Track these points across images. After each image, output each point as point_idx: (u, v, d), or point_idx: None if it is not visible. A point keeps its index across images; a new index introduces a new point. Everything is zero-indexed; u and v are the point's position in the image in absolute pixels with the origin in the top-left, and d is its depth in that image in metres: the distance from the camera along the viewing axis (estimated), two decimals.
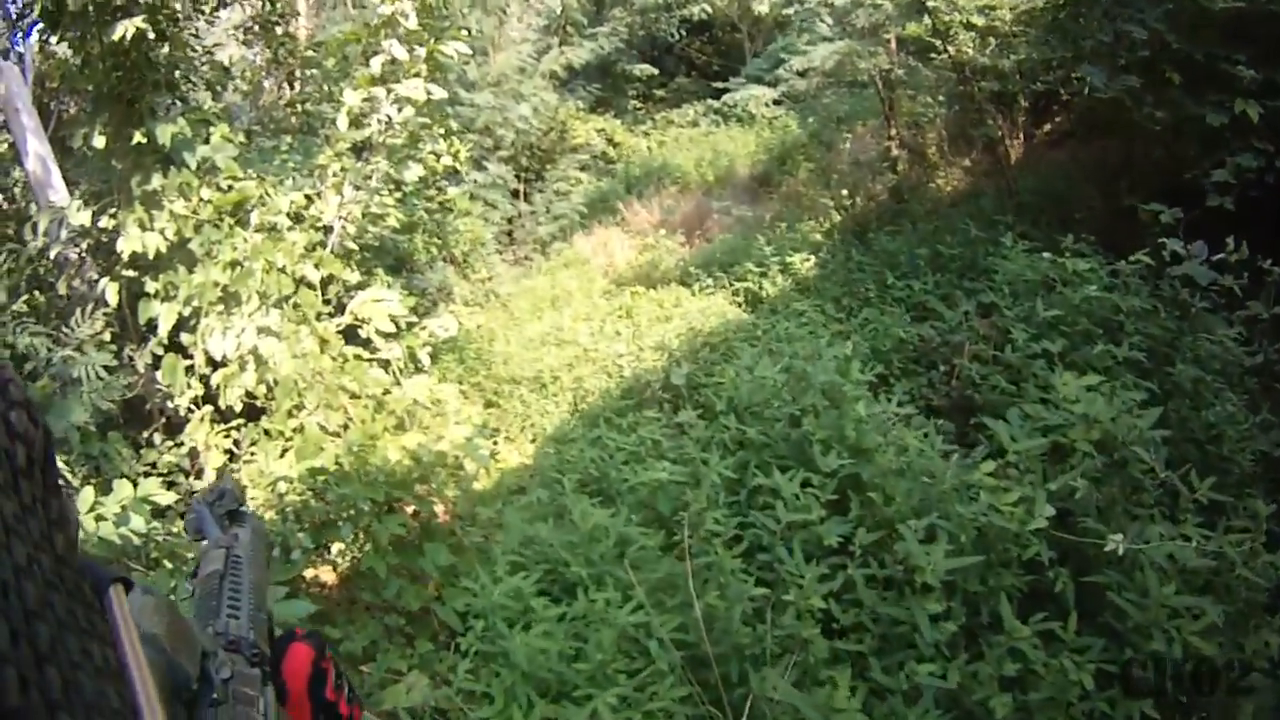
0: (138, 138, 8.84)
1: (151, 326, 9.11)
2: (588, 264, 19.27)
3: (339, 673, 1.54)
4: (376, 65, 9.28)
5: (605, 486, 7.20)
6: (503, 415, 13.15)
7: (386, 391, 8.45)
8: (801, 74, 18.44)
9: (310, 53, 14.98)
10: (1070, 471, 5.23)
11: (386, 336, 8.84)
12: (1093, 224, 10.38)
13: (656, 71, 28.61)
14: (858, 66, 15.90)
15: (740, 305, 13.99)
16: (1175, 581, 4.59)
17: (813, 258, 14.34)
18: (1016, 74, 13.56)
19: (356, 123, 9.81)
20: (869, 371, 7.75)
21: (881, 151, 17.76)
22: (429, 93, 9.26)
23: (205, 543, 1.74)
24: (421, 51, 9.46)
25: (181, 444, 9.41)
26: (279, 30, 13.17)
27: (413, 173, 10.19)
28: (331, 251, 9.42)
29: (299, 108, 13.63)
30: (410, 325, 9.96)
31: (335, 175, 9.71)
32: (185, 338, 8.88)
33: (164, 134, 8.65)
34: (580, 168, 24.35)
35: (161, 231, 8.68)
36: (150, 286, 8.81)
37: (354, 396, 8.24)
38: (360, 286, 9.65)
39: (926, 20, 13.52)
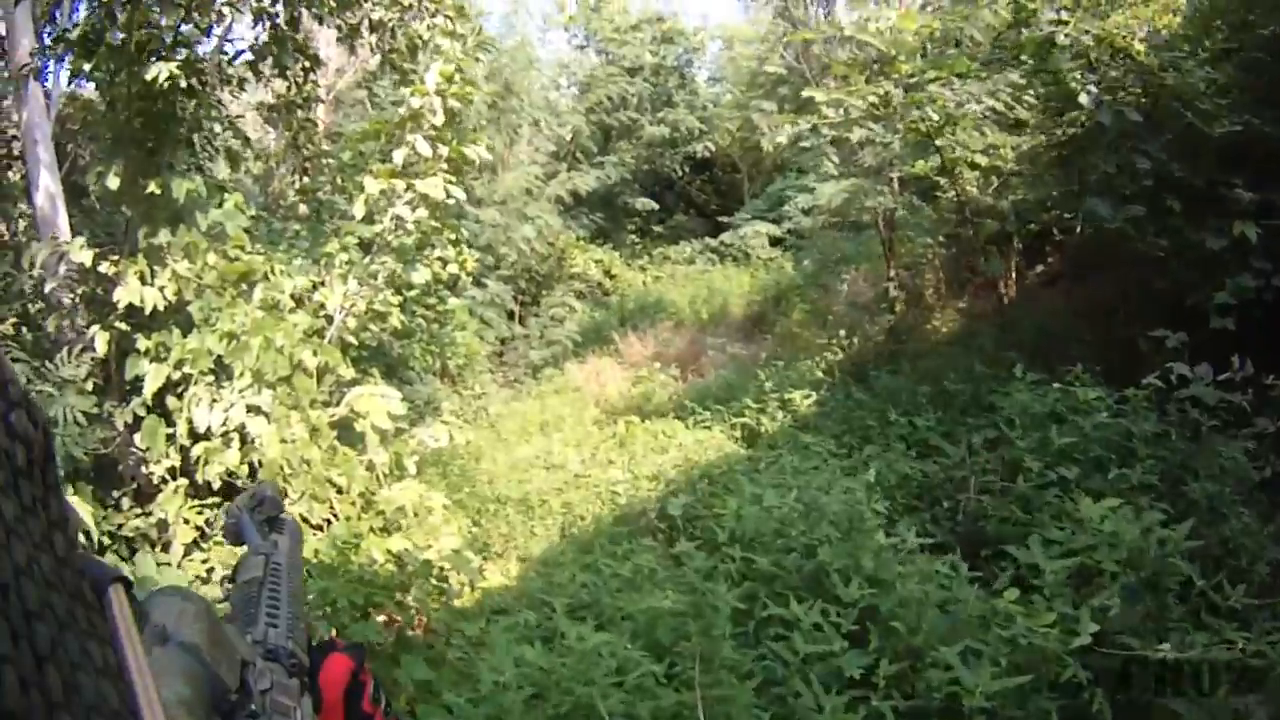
0: (152, 187, 8.63)
1: (137, 386, 8.69)
2: (579, 391, 19.09)
3: (377, 685, 1.52)
4: (399, 158, 9.11)
5: (599, 612, 6.97)
6: (486, 533, 12.67)
7: (374, 491, 8.12)
8: (806, 211, 18.23)
9: (327, 144, 14.87)
10: (1100, 592, 5.14)
11: (381, 435, 8.47)
12: (1090, 357, 10.52)
13: (657, 206, 28.70)
14: (863, 204, 15.62)
15: (737, 440, 13.68)
16: (1226, 683, 4.64)
17: (813, 394, 14.11)
18: (1013, 214, 13.51)
19: (369, 217, 9.65)
20: (875, 504, 7.73)
21: (879, 293, 17.66)
22: (448, 192, 9.12)
23: (244, 548, 1.67)
24: (444, 150, 9.29)
25: (150, 514, 8.85)
26: (300, 114, 12.95)
27: (420, 275, 9.94)
28: (330, 342, 9.11)
29: (311, 195, 13.43)
30: (399, 431, 9.68)
31: (341, 266, 9.41)
32: (170, 403, 8.44)
33: (179, 188, 8.41)
34: (576, 295, 24.32)
35: (161, 289, 8.36)
36: (141, 343, 8.35)
37: (340, 491, 7.92)
38: (354, 383, 9.36)
39: (935, 159, 13.44)
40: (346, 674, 1.47)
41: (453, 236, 10.68)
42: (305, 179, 14.13)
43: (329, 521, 7.69)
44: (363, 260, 9.63)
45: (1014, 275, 15.00)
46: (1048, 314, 13.68)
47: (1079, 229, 11.92)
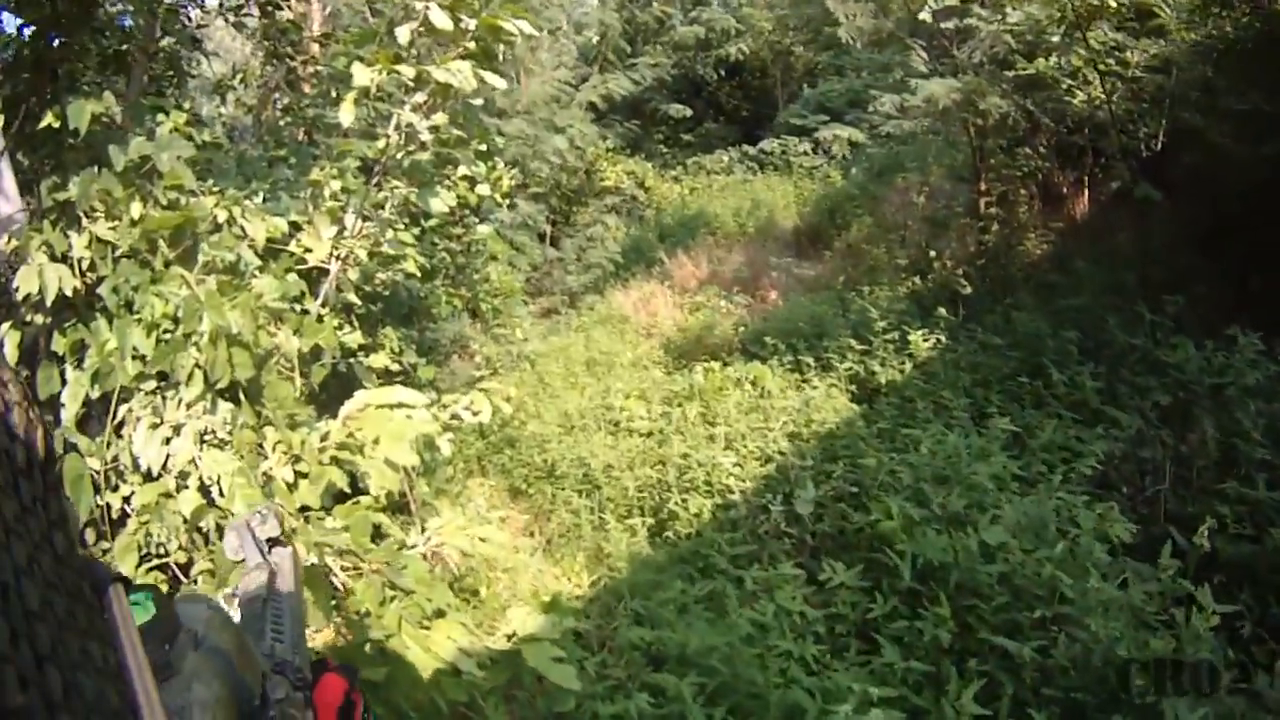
0: (48, 120, 5.53)
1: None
2: (628, 322, 16.01)
3: (367, 706, 1.62)
4: (404, 34, 5.84)
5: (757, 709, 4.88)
6: (538, 516, 10.10)
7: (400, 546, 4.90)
8: (898, 112, 14.82)
9: (318, 47, 11.45)
10: None
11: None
12: (1199, 293, 9.77)
13: (691, 112, 25.51)
14: (975, 106, 12.46)
15: (847, 392, 10.74)
16: None
17: (933, 336, 11.14)
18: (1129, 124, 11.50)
19: (370, 130, 6.59)
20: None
21: (962, 206, 15.20)
22: (480, 78, 5.84)
23: (246, 565, 1.78)
24: (470, 23, 5.84)
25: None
26: (281, 14, 9.77)
27: (440, 202, 6.74)
28: (324, 304, 6.15)
29: (299, 113, 10.10)
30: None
31: (332, 199, 6.28)
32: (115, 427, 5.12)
33: (76, 114, 5.04)
34: (607, 211, 21.01)
35: (76, 263, 5.00)
36: (58, 344, 5.04)
37: (347, 553, 4.65)
38: (362, 351, 6.76)
39: (1055, 59, 11.22)
40: (341, 694, 1.53)
41: (482, 146, 7.36)
42: (293, 94, 10.88)
43: (336, 606, 4.46)
44: (364, 188, 6.49)
45: (1111, 197, 13.43)
46: (1150, 239, 11.74)
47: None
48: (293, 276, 5.74)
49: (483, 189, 7.91)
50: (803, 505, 7.44)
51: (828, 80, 25.62)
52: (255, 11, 10.28)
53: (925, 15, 12.36)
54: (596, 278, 18.05)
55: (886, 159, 20.19)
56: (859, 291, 14.24)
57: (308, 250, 6.06)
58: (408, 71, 5.89)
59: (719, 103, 28.57)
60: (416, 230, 7.95)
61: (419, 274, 7.39)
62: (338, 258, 6.30)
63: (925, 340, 10.92)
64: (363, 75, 5.78)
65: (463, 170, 7.55)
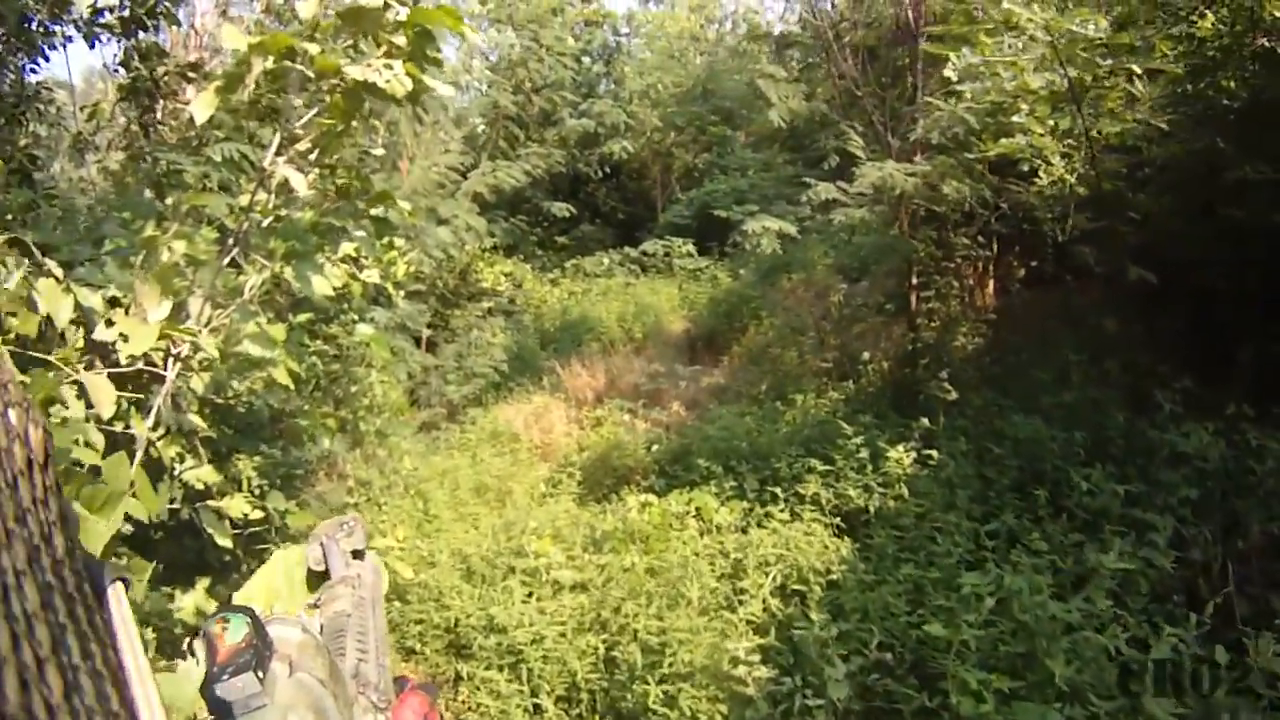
0: None
1: None
2: (518, 440, 13.32)
3: None
4: (309, 7, 3.49)
5: None
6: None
7: None
8: (823, 204, 12.65)
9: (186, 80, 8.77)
10: None
11: None
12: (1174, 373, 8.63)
13: (573, 211, 23.41)
14: (937, 191, 10.52)
15: (830, 526, 8.23)
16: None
17: (914, 451, 8.82)
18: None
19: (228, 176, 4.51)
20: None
21: (897, 300, 13.16)
22: (420, 86, 3.40)
23: (330, 579, 1.73)
24: (403, 12, 3.58)
25: None
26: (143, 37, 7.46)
27: (324, 283, 4.45)
28: (155, 426, 4.15)
29: (149, 161, 7.52)
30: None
31: (173, 271, 3.78)
32: None
33: None
34: (484, 315, 18.25)
35: None
36: None
37: None
38: (210, 492, 4.72)
39: (1020, 139, 9.30)
40: (420, 713, 1.53)
41: (375, 207, 4.79)
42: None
43: None
44: (215, 260, 4.25)
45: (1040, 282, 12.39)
46: (1100, 317, 10.29)
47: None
48: (101, 380, 3.51)
49: (369, 274, 5.50)
50: (836, 687, 5.47)
51: (713, 179, 24.21)
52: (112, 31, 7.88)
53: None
54: (479, 388, 15.32)
55: (772, 259, 17.98)
56: (786, 400, 11.91)
57: (121, 338, 3.49)
58: (312, 52, 3.39)
59: (596, 204, 26.62)
60: (287, 328, 5.47)
61: (290, 383, 4.67)
62: (175, 357, 4.08)
63: (905, 454, 8.59)
64: (237, 41, 3.23)
65: (345, 248, 5.12)
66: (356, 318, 8.82)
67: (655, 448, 11.52)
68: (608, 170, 25.23)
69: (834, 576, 7.17)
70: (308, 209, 4.50)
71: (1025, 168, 9.83)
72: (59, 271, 3.61)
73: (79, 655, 0.67)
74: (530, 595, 8.12)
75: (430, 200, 15.86)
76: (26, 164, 7.81)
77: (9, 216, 4.73)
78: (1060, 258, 10.98)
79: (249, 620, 1.25)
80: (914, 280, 12.29)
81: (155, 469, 4.43)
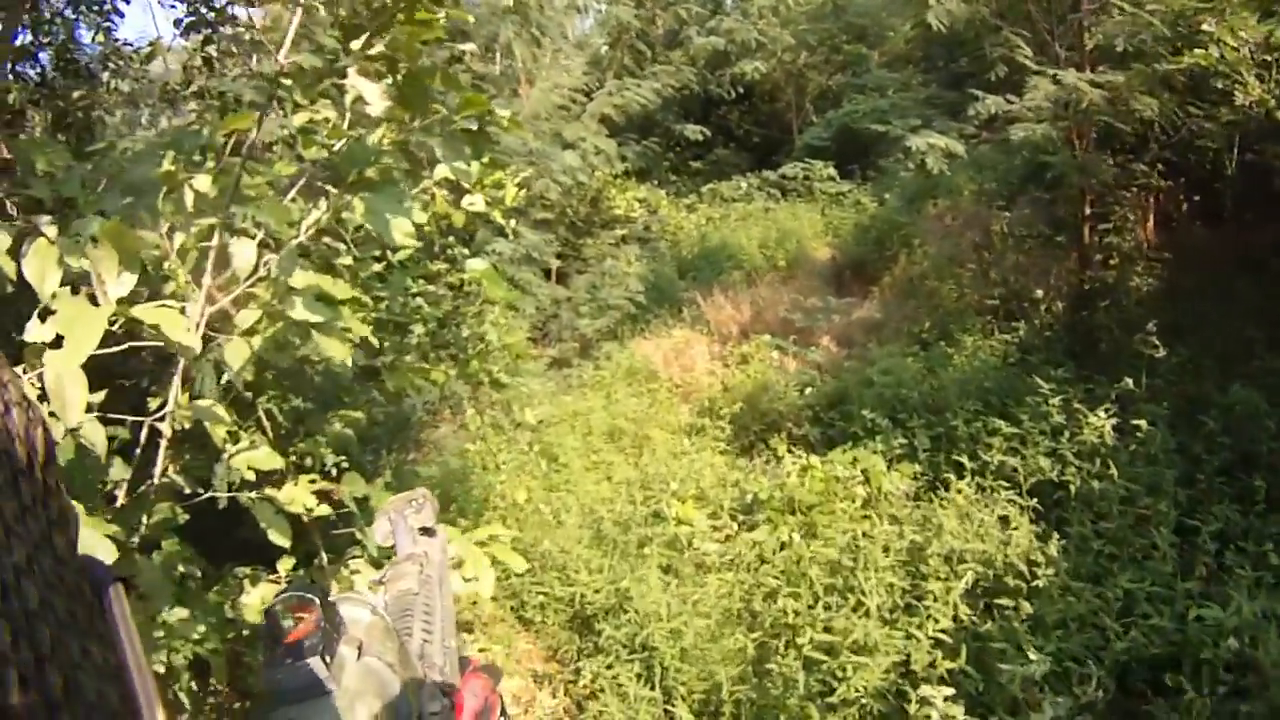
0: None
1: None
2: (656, 378, 12.21)
3: (503, 708, 1.55)
4: None
5: None
6: (560, 659, 7.03)
7: None
8: (991, 120, 11.10)
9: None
10: None
11: None
12: None
13: (708, 134, 21.88)
14: (1125, 107, 9.35)
15: (1028, 510, 6.80)
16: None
17: (1114, 417, 7.41)
18: None
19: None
20: None
21: (1070, 229, 11.83)
22: None
23: (396, 555, 1.69)
24: None
25: None
26: None
27: (401, 225, 3.15)
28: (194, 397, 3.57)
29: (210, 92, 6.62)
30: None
31: (200, 208, 3.11)
32: None
33: None
34: (618, 244, 17.18)
35: None
36: None
37: None
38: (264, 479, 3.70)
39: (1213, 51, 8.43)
40: (482, 696, 1.46)
41: (473, 119, 3.63)
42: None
43: None
44: (271, 197, 3.54)
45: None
46: None
47: None
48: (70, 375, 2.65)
49: (474, 202, 4.32)
50: None
51: (851, 100, 22.55)
52: None
53: None
54: (614, 322, 14.19)
55: (917, 183, 16.96)
56: (951, 340, 10.61)
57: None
58: None
59: (729, 128, 24.88)
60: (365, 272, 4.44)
61: (346, 357, 3.53)
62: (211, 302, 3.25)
63: (1104, 421, 7.16)
64: None
65: (440, 172, 3.94)
66: (465, 251, 7.71)
67: (809, 391, 10.43)
68: (740, 91, 23.51)
69: (1036, 581, 5.93)
70: (385, 129, 3.34)
71: (1219, 86, 8.67)
72: (51, 231, 2.61)
73: (79, 654, 0.61)
74: (668, 571, 7.07)
75: (554, 123, 14.66)
76: (84, 120, 7.34)
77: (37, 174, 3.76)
78: (1240, 193, 9.99)
79: (317, 601, 1.16)
80: (1087, 210, 10.88)
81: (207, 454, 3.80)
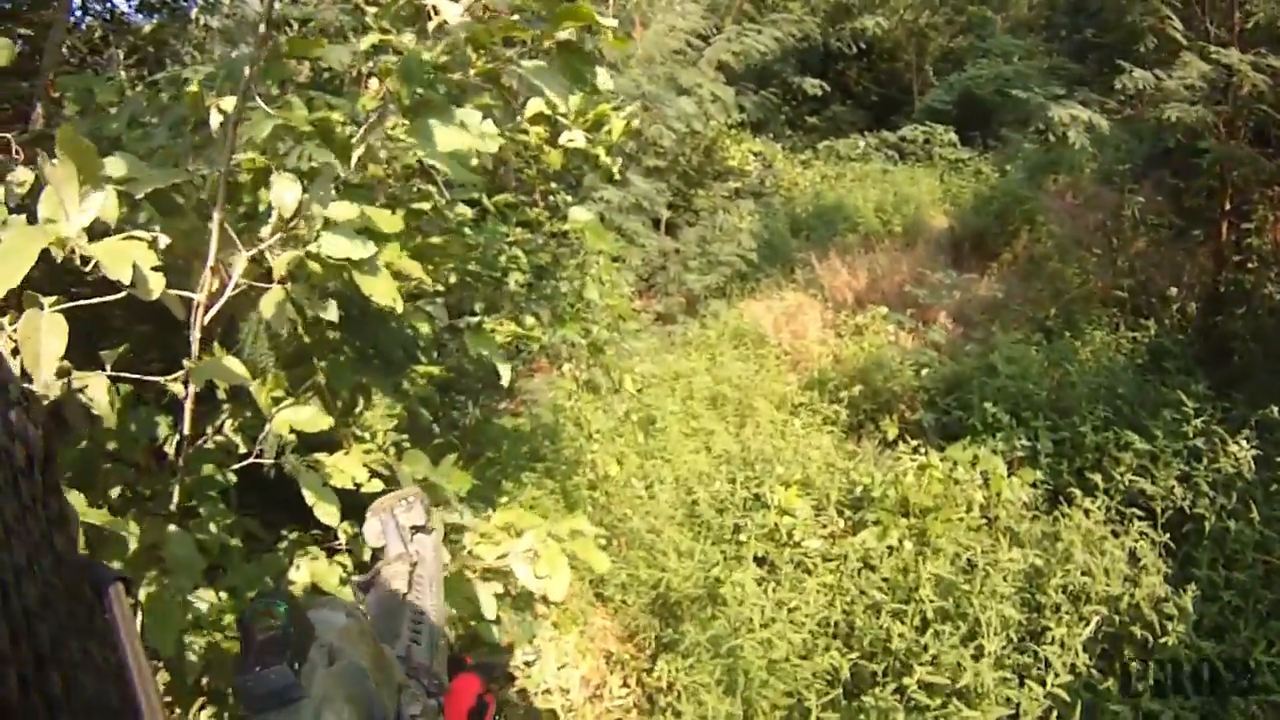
0: None
1: None
2: (765, 344, 11.67)
3: (499, 706, 1.54)
4: None
5: None
6: (640, 648, 6.52)
7: None
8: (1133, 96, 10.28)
9: None
10: None
11: None
12: None
13: (826, 89, 20.86)
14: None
15: (1159, 544, 6.09)
16: None
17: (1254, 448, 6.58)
18: None
19: None
20: None
21: (1207, 224, 11.05)
22: None
23: (386, 554, 1.66)
24: None
25: None
26: None
27: (452, 139, 2.75)
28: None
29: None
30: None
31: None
32: None
33: None
34: (731, 197, 16.21)
35: None
36: None
37: None
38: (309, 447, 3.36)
39: None
40: (473, 695, 1.44)
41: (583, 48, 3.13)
42: None
43: None
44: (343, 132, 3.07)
45: None
46: None
47: None
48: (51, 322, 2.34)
49: (573, 139, 3.94)
50: None
51: (975, 64, 22.02)
52: None
53: None
54: (724, 279, 13.54)
55: (1038, 157, 16.49)
56: (1076, 330, 9.94)
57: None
58: None
59: (847, 84, 24.32)
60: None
61: (396, 303, 3.04)
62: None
63: (1245, 450, 6.47)
64: None
65: (536, 106, 3.64)
66: (570, 199, 7.18)
67: (925, 372, 9.85)
68: (860, 47, 22.75)
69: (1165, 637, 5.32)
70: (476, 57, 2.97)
71: None
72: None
73: (79, 654, 0.62)
74: (763, 564, 6.59)
75: (668, 68, 13.97)
76: (155, 55, 7.19)
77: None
78: None
79: (285, 607, 1.13)
80: (1227, 205, 10.05)
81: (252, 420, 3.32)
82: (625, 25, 14.86)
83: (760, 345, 11.50)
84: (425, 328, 4.46)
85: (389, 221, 2.92)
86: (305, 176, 2.78)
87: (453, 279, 4.86)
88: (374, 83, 3.99)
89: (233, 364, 2.70)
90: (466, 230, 4.89)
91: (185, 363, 2.67)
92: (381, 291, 2.80)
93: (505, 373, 4.04)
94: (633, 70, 13.30)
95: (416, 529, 1.66)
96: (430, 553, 1.63)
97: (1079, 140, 10.64)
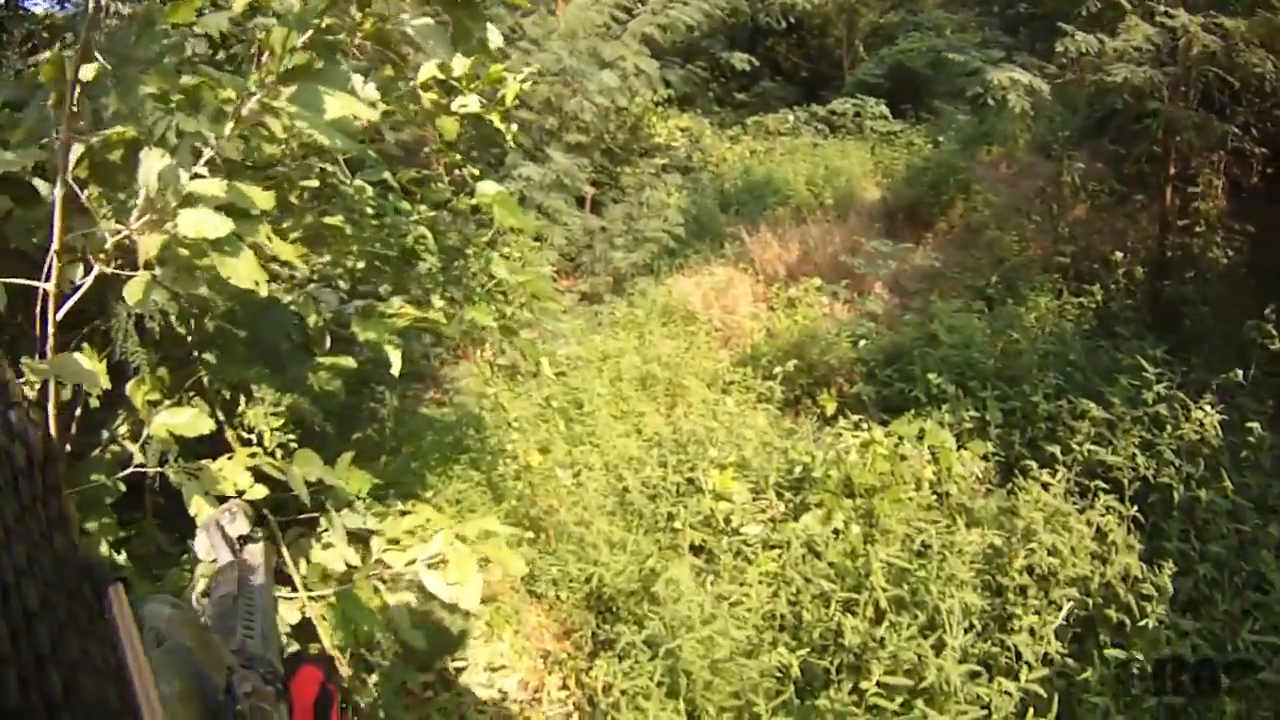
0: None
1: None
2: (695, 320, 11.03)
3: (344, 695, 1.54)
4: None
5: None
6: (572, 638, 6.11)
7: None
8: (1079, 56, 9.75)
9: None
10: None
11: None
12: None
13: (755, 64, 20.52)
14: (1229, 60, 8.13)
15: (1122, 519, 5.49)
16: None
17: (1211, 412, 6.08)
18: None
19: None
20: None
21: (1150, 189, 10.77)
22: None
23: (216, 564, 1.72)
24: None
25: None
26: None
27: (342, 106, 2.34)
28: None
29: None
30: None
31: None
32: None
33: None
34: (658, 173, 15.57)
35: None
36: None
37: None
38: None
39: None
40: (316, 684, 1.44)
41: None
42: None
43: None
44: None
45: None
46: None
47: None
48: None
49: (466, 104, 3.47)
50: None
51: (906, 38, 21.52)
52: None
53: None
54: (651, 255, 12.85)
55: (970, 127, 16.39)
56: (1018, 297, 9.43)
57: None
58: None
59: (776, 60, 23.76)
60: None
61: (261, 285, 2.42)
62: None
63: (1210, 415, 5.98)
64: None
65: (429, 70, 3.20)
66: (476, 173, 6.49)
67: (863, 344, 9.25)
68: (790, 23, 22.35)
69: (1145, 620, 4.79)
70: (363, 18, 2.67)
71: None
72: None
73: (79, 654, 0.61)
74: (701, 553, 6.03)
75: (591, 41, 13.28)
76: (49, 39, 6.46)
77: None
78: None
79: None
80: (1173, 169, 9.72)
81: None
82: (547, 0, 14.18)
83: (690, 322, 10.87)
84: (313, 317, 3.91)
85: (262, 199, 2.48)
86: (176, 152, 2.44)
87: (361, 264, 4.47)
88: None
89: (82, 361, 2.31)
90: (368, 210, 4.32)
91: (24, 363, 2.31)
92: (243, 274, 2.42)
93: (396, 360, 3.53)
94: (554, 44, 12.67)
95: (244, 539, 1.70)
96: (258, 559, 1.65)
97: (1019, 104, 10.06)
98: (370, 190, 4.38)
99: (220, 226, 2.22)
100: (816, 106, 20.22)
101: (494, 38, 2.95)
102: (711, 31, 19.79)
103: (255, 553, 1.68)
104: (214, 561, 1.70)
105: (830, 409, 8.07)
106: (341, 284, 4.46)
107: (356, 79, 2.50)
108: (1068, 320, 8.98)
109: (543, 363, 7.34)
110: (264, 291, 2.41)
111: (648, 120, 17.43)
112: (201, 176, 2.31)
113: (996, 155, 15.39)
